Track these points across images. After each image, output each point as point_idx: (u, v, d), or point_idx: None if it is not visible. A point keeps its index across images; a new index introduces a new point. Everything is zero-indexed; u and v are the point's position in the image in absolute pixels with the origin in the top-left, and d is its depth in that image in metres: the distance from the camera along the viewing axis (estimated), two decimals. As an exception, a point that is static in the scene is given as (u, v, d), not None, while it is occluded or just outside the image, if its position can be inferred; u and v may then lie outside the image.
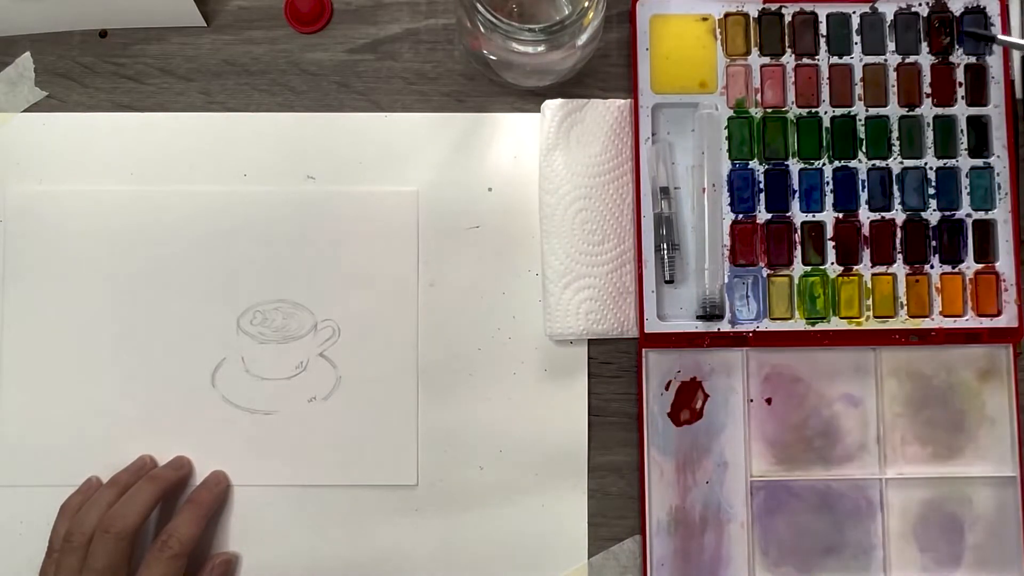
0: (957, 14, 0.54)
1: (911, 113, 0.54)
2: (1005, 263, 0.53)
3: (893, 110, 0.54)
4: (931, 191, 0.54)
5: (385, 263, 0.54)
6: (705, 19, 0.54)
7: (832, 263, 0.53)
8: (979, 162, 0.54)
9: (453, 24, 0.55)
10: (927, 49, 0.54)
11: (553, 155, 0.53)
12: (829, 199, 0.53)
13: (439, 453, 0.54)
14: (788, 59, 0.54)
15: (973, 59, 0.54)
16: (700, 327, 0.53)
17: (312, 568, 0.53)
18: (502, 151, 0.55)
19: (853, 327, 0.53)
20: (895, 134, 0.54)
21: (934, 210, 0.54)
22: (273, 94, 0.55)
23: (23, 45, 0.55)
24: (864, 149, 0.54)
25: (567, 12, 0.47)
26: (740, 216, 0.53)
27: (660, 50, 0.54)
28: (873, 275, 0.53)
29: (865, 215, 0.53)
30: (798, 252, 0.53)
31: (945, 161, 0.54)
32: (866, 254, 0.53)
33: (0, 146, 0.54)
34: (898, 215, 0.53)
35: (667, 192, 0.53)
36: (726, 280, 0.53)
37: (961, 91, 0.54)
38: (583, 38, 0.48)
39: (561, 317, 0.52)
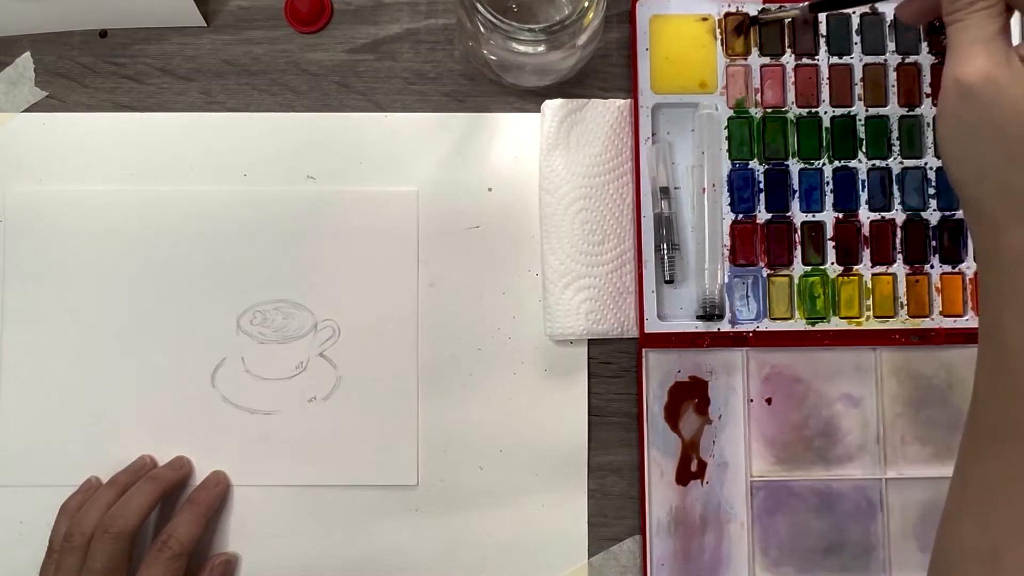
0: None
1: (911, 113, 0.54)
2: (1005, 263, 0.53)
3: (893, 110, 0.54)
4: (931, 191, 0.54)
5: (385, 263, 0.54)
6: (705, 19, 0.54)
7: (832, 263, 0.53)
8: (979, 162, 0.54)
9: (453, 24, 0.55)
10: (927, 49, 0.54)
11: (553, 155, 0.53)
12: (829, 199, 0.53)
13: (439, 453, 0.54)
14: (788, 59, 0.54)
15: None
16: (700, 327, 0.53)
17: (312, 568, 0.53)
18: (502, 151, 0.55)
19: (853, 327, 0.53)
20: (895, 134, 0.54)
21: (934, 210, 0.54)
22: (273, 94, 0.55)
23: (23, 45, 0.55)
24: (864, 149, 0.54)
25: (567, 12, 0.47)
26: (740, 216, 0.53)
27: (660, 50, 0.54)
28: (873, 275, 0.53)
29: (865, 215, 0.53)
30: (798, 252, 0.53)
31: (945, 161, 0.54)
32: (866, 254, 0.53)
33: (0, 146, 0.54)
34: (898, 215, 0.53)
35: (667, 192, 0.53)
36: (726, 280, 0.53)
37: (961, 91, 0.54)
38: (583, 38, 0.48)
39: (561, 317, 0.52)
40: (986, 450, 0.39)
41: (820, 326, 0.53)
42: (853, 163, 0.54)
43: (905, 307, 0.53)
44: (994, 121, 0.37)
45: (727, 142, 0.53)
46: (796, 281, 0.53)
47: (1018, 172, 0.37)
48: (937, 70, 0.54)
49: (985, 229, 0.38)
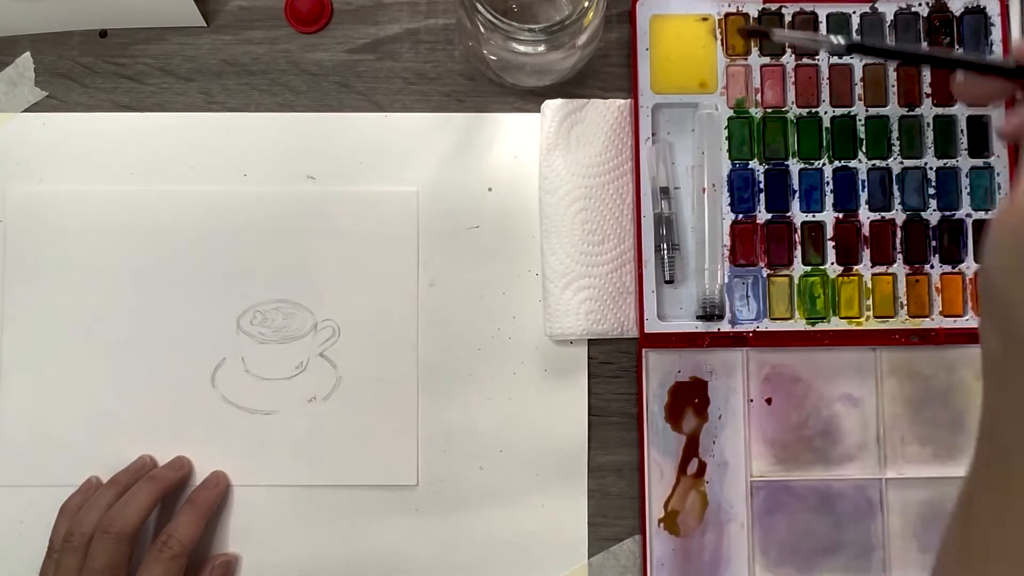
0: (957, 14, 0.54)
1: (911, 113, 0.54)
2: (1005, 263, 0.53)
3: (893, 110, 0.54)
4: (931, 191, 0.54)
5: (385, 263, 0.54)
6: (705, 19, 0.54)
7: (832, 263, 0.53)
8: (979, 162, 0.54)
9: (453, 24, 0.55)
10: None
11: (553, 155, 0.53)
12: (829, 199, 0.53)
13: (439, 453, 0.54)
14: (788, 59, 0.54)
15: (973, 59, 0.54)
16: (700, 327, 0.53)
17: (312, 568, 0.53)
18: (502, 151, 0.55)
19: (853, 327, 0.53)
20: (895, 134, 0.54)
21: (934, 210, 0.54)
22: (273, 94, 0.55)
23: (23, 45, 0.55)
24: (864, 149, 0.54)
25: (567, 12, 0.47)
26: (740, 216, 0.53)
27: (660, 50, 0.54)
28: (873, 275, 0.53)
29: (865, 215, 0.53)
30: (798, 252, 0.53)
31: (945, 161, 0.54)
32: (866, 254, 0.53)
33: (0, 146, 0.54)
34: (898, 215, 0.53)
35: (667, 192, 0.53)
36: (726, 280, 0.53)
37: (961, 91, 0.54)
38: (583, 38, 0.48)
39: (561, 317, 0.52)
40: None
41: (820, 326, 0.53)
42: (853, 163, 0.54)
43: (905, 307, 0.53)
44: None
45: (727, 142, 0.53)
46: (796, 281, 0.53)
47: None
48: (937, 70, 0.54)
49: (1012, 346, 0.36)
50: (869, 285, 0.53)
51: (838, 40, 0.43)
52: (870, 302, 0.53)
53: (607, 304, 0.53)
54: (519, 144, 0.55)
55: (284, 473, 0.53)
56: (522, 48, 0.48)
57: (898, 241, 0.53)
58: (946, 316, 0.53)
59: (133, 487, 0.51)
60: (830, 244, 0.53)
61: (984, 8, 0.54)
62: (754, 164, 0.53)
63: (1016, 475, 0.36)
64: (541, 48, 0.48)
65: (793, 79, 0.54)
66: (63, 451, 0.53)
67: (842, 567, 0.53)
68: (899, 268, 0.53)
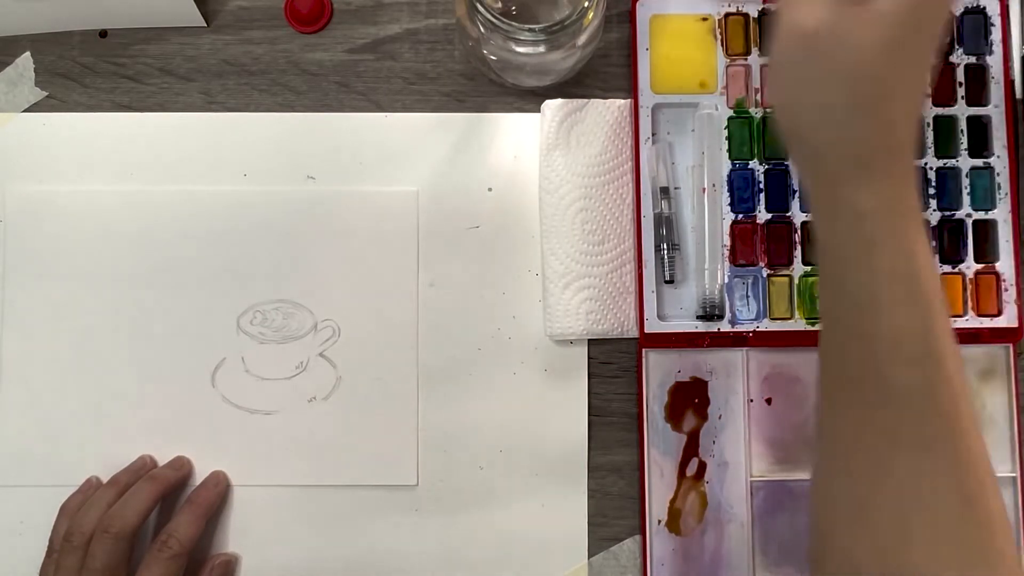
0: (957, 14, 0.54)
1: (911, 113, 0.54)
2: (1005, 263, 0.53)
3: (893, 110, 0.54)
4: (931, 191, 0.54)
5: (385, 263, 0.54)
6: (705, 19, 0.54)
7: (832, 263, 0.53)
8: (979, 162, 0.54)
9: (453, 24, 0.55)
10: (927, 49, 0.54)
11: (553, 155, 0.53)
12: (829, 199, 0.53)
13: (439, 453, 0.54)
14: (788, 59, 0.54)
15: (973, 59, 0.54)
16: (700, 327, 0.53)
17: (312, 568, 0.53)
18: (502, 151, 0.55)
19: (853, 327, 0.53)
20: (895, 134, 0.54)
21: (934, 210, 0.54)
22: (273, 94, 0.55)
23: (23, 45, 0.55)
24: (864, 149, 0.54)
25: (567, 12, 0.47)
26: (740, 216, 0.53)
27: (660, 50, 0.54)
28: (873, 275, 0.53)
29: (865, 215, 0.53)
30: (798, 252, 0.53)
31: (945, 161, 0.54)
32: (866, 254, 0.53)
33: (0, 146, 0.54)
34: (898, 215, 0.53)
35: (667, 192, 0.53)
36: (726, 280, 0.53)
37: (961, 91, 0.54)
38: (583, 38, 0.48)
39: (561, 317, 0.52)
40: (836, 400, 0.38)
41: (820, 326, 0.53)
42: (853, 163, 0.53)
43: (905, 307, 0.53)
44: (837, 69, 0.35)
45: (727, 142, 0.53)
46: (796, 281, 0.53)
47: (860, 119, 0.36)
48: (937, 70, 0.54)
49: (823, 182, 0.37)
50: (869, 285, 0.53)
51: None
52: (870, 302, 0.53)
53: (607, 304, 0.53)
54: (519, 144, 0.55)
55: (284, 473, 0.53)
56: (522, 48, 0.48)
57: (898, 241, 0.53)
58: (946, 316, 0.53)
59: (133, 487, 0.51)
60: (830, 244, 0.53)
61: (984, 8, 0.54)
62: (754, 164, 0.53)
63: (839, 292, 0.38)
64: (541, 48, 0.48)
65: (793, 79, 0.54)
66: (63, 451, 0.53)
67: (842, 567, 0.53)
68: (899, 268, 0.53)
